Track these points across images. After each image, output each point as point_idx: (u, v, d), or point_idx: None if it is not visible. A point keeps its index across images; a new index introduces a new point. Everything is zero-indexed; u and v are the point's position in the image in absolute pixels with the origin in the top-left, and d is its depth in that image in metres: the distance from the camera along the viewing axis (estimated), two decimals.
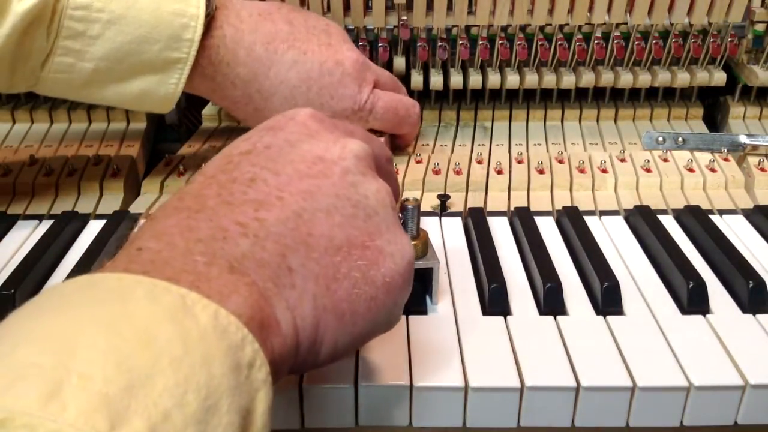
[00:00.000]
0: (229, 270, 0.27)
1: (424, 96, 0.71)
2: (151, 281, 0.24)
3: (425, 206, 0.55)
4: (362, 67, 0.56)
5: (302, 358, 0.29)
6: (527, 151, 0.65)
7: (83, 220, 0.53)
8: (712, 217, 0.52)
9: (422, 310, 0.42)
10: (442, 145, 0.66)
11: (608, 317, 0.41)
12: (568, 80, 0.68)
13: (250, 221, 0.28)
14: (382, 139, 0.59)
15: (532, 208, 0.54)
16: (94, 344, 0.21)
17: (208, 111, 0.72)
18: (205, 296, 0.24)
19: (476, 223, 0.51)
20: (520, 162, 0.60)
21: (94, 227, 0.52)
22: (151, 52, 0.49)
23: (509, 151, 0.64)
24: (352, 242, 0.30)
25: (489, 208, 0.55)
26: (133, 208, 0.55)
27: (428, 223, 0.51)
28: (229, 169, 0.31)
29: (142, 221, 0.30)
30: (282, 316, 0.28)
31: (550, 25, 0.65)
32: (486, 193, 0.57)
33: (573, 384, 0.36)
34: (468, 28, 0.66)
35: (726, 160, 0.60)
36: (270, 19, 0.54)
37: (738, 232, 0.51)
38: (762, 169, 0.58)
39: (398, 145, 0.65)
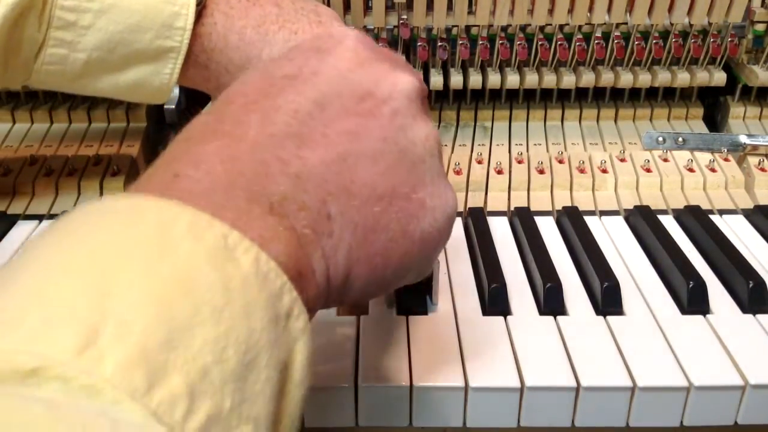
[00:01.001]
0: (269, 210, 0.25)
1: None
2: (194, 213, 0.22)
3: None
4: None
5: (328, 303, 0.28)
6: (527, 151, 0.65)
7: None
8: (712, 217, 0.52)
9: (422, 310, 0.42)
10: (442, 145, 0.66)
11: (608, 317, 0.41)
12: (568, 80, 0.68)
13: (293, 158, 0.26)
14: None
15: (532, 208, 0.54)
16: (133, 284, 0.20)
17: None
18: (247, 238, 0.23)
19: (476, 223, 0.51)
20: (520, 162, 0.60)
21: None
22: (144, 42, 0.49)
23: (509, 151, 0.64)
24: (395, 193, 0.29)
25: (489, 208, 0.55)
26: None
27: None
28: (272, 94, 0.28)
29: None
30: (317, 265, 0.26)
31: (550, 25, 0.65)
32: (486, 193, 0.57)
33: (573, 384, 0.36)
34: (468, 28, 0.66)
35: (726, 160, 0.60)
36: (258, 3, 0.54)
37: (738, 232, 0.51)
38: (762, 169, 0.58)
39: None
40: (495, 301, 0.42)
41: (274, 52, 0.53)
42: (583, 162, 0.59)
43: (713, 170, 0.58)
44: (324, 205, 0.27)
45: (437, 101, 0.71)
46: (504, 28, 0.66)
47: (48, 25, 0.48)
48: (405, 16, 0.65)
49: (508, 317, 0.41)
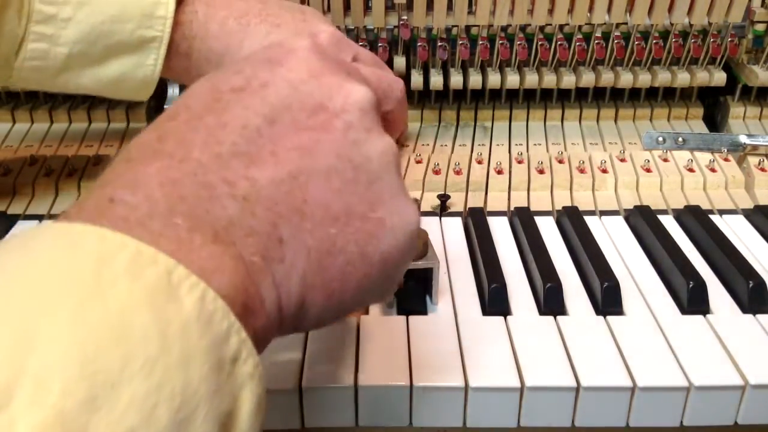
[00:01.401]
0: (213, 238, 0.23)
1: (424, 96, 0.71)
2: (137, 247, 0.21)
3: (425, 206, 0.55)
4: (339, 41, 0.52)
5: (281, 332, 0.27)
6: (527, 151, 0.65)
7: None
8: (712, 217, 0.52)
9: (422, 310, 0.42)
10: (442, 145, 0.66)
11: (608, 317, 0.41)
12: (568, 80, 0.68)
13: (240, 179, 0.25)
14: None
15: (532, 208, 0.54)
16: (57, 333, 0.18)
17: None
18: (193, 273, 0.21)
19: (476, 223, 0.51)
20: (520, 162, 0.60)
21: None
22: (125, 32, 0.49)
23: (509, 151, 0.64)
24: (351, 212, 0.27)
25: (489, 208, 0.55)
26: None
27: (428, 223, 0.51)
28: (218, 109, 0.26)
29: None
30: (267, 294, 0.25)
31: (550, 25, 0.65)
32: (486, 193, 0.57)
33: (573, 384, 0.36)
34: (468, 28, 0.66)
35: (726, 160, 0.60)
36: None
37: (738, 232, 0.51)
38: (762, 169, 0.58)
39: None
40: (495, 301, 0.42)
41: (254, 44, 0.52)
42: (583, 162, 0.59)
43: (713, 170, 0.58)
44: (275, 229, 0.25)
45: (437, 101, 0.71)
46: (504, 28, 0.66)
47: (28, 19, 0.47)
48: (405, 16, 0.65)
49: (508, 317, 0.41)
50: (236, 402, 0.22)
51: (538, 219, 0.52)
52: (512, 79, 0.68)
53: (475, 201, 0.56)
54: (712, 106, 0.73)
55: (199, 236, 0.23)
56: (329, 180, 0.26)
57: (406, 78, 0.68)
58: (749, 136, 0.62)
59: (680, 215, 0.53)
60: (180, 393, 0.19)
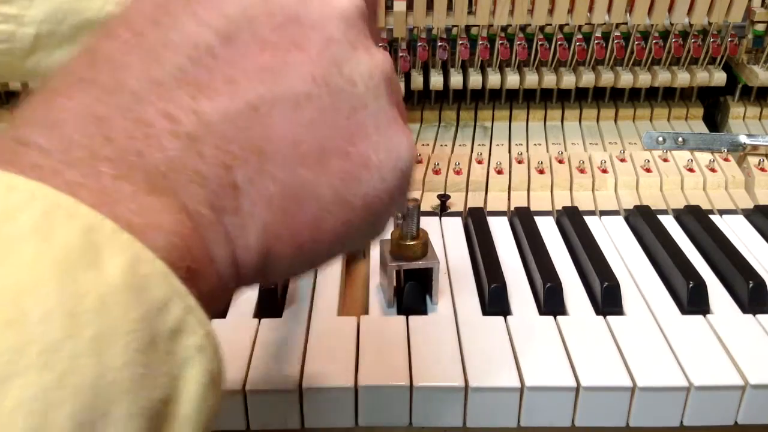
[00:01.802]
0: (147, 188, 0.19)
1: (424, 96, 0.71)
2: (52, 198, 0.17)
3: (425, 206, 0.55)
4: None
5: (242, 287, 0.23)
6: (527, 151, 0.65)
7: None
8: (712, 217, 0.52)
9: (422, 310, 0.42)
10: (442, 145, 0.66)
11: (608, 317, 0.41)
12: (568, 80, 0.68)
13: (184, 114, 0.20)
14: None
15: (532, 208, 0.54)
16: None
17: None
18: (119, 228, 0.17)
19: (476, 223, 0.51)
20: (520, 162, 0.60)
21: None
22: (93, 9, 0.47)
23: (509, 151, 0.64)
24: (326, 149, 0.22)
25: (489, 208, 0.55)
26: None
27: (428, 223, 0.51)
28: (164, 24, 0.21)
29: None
30: (218, 251, 0.21)
31: (550, 25, 0.65)
32: (486, 193, 0.57)
33: (573, 384, 0.36)
34: (468, 28, 0.66)
35: (726, 160, 0.60)
36: None
37: (738, 232, 0.51)
38: (762, 169, 0.58)
39: None
40: (495, 301, 0.42)
41: None
42: (583, 162, 0.59)
43: (713, 170, 0.58)
44: (227, 173, 0.21)
45: (437, 101, 0.72)
46: (504, 28, 0.66)
47: None
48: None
49: (508, 317, 0.41)
50: (176, 384, 0.18)
51: (538, 219, 0.52)
52: (512, 79, 0.68)
53: (475, 201, 0.56)
54: (712, 106, 0.73)
55: (129, 185, 0.19)
56: (299, 110, 0.22)
57: (406, 78, 0.68)
58: (749, 136, 0.62)
59: (680, 215, 0.53)
60: (90, 387, 0.15)
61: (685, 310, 0.42)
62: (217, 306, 0.22)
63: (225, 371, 0.20)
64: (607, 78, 0.68)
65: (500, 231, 0.51)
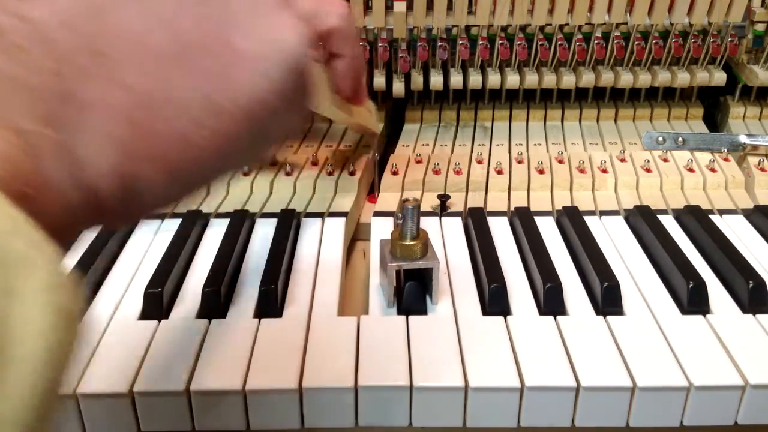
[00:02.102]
0: None
1: (424, 96, 0.71)
2: None
3: (425, 206, 0.55)
4: None
5: (106, 219, 0.20)
6: (527, 151, 0.65)
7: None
8: (712, 217, 0.52)
9: (422, 310, 0.42)
10: (442, 145, 0.66)
11: (608, 317, 0.41)
12: (568, 80, 0.68)
13: (9, 19, 0.18)
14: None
15: (532, 208, 0.54)
16: None
17: None
18: None
19: (476, 223, 0.51)
20: (520, 162, 0.60)
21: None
22: None
23: (509, 151, 0.64)
24: (187, 45, 0.19)
25: (489, 208, 0.55)
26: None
27: (428, 223, 0.51)
28: None
29: None
30: (56, 173, 0.18)
31: (550, 25, 0.65)
32: (486, 193, 0.57)
33: (573, 384, 0.36)
34: (468, 28, 0.66)
35: (726, 160, 0.60)
36: None
37: (738, 232, 0.51)
38: (762, 169, 0.58)
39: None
40: (495, 301, 0.42)
41: None
42: (583, 162, 0.59)
43: (713, 170, 0.58)
44: (62, 83, 0.18)
45: (437, 101, 0.72)
46: (504, 28, 0.66)
47: None
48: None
49: (508, 317, 0.41)
50: (6, 324, 0.15)
51: (538, 219, 0.52)
52: (512, 79, 0.68)
53: (475, 201, 0.56)
54: (712, 106, 0.73)
55: None
56: (148, 2, 0.19)
57: (407, 78, 0.68)
58: (749, 136, 0.62)
59: (680, 215, 0.53)
60: None
61: (685, 310, 0.42)
62: (71, 237, 0.19)
63: (82, 305, 0.17)
64: (607, 78, 0.68)
65: (500, 231, 0.51)
